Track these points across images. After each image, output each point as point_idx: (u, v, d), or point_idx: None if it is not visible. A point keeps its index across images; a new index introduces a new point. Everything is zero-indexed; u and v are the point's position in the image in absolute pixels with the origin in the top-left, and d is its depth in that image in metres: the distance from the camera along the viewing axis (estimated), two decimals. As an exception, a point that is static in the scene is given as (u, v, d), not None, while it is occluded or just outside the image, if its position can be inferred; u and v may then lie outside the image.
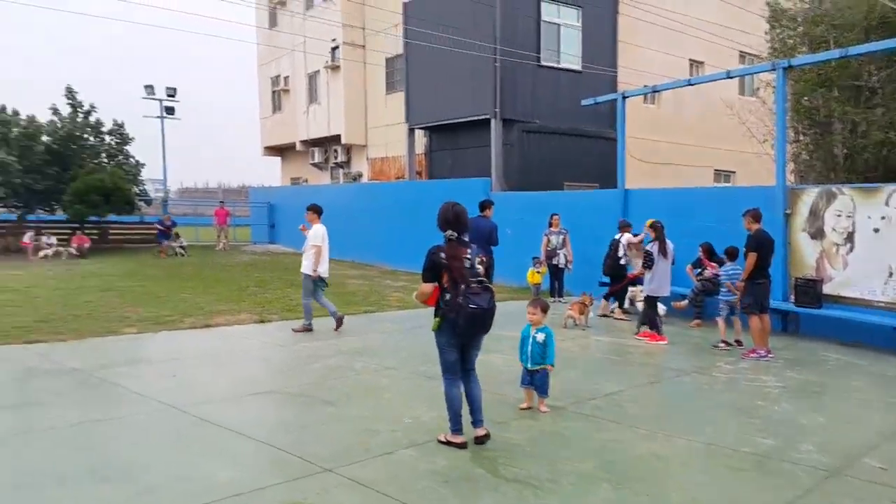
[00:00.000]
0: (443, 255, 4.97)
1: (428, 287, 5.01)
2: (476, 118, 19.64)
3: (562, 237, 13.44)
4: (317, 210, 9.95)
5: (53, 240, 21.86)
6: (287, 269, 18.67)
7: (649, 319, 9.64)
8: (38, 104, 45.44)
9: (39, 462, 4.73)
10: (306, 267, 9.80)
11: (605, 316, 11.76)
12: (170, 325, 10.09)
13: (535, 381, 6.18)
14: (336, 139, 26.87)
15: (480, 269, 5.06)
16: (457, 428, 5.13)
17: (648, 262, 9.56)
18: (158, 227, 23.79)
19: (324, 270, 9.91)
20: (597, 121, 19.78)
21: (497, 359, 8.31)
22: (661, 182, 17.20)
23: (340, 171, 28.00)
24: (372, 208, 20.88)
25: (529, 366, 6.18)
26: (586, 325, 10.58)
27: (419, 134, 22.97)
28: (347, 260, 20.98)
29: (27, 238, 21.70)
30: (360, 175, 26.70)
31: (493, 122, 19.00)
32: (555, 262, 13.45)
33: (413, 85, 22.16)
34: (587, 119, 19.56)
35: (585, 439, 5.48)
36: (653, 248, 9.52)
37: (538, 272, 13.62)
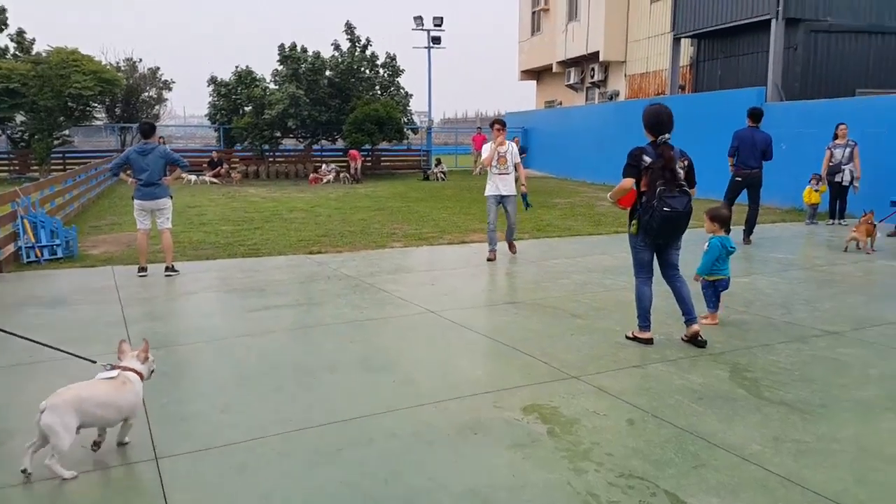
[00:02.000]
0: (647, 156, 4.98)
1: (627, 182, 5.04)
2: (754, 20, 17.53)
3: (849, 150, 11.70)
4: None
5: (333, 166, 24.37)
6: (537, 191, 18.78)
7: None
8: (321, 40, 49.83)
9: (318, 351, 5.31)
10: (514, 188, 9.03)
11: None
12: (430, 240, 10.73)
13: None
14: (594, 57, 25.97)
15: (681, 172, 4.98)
16: (644, 325, 5.30)
17: None
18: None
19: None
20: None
21: (761, 281, 7.65)
22: None
23: (596, 90, 27.12)
24: (628, 128, 19.94)
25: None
26: (872, 249, 9.28)
27: (685, 44, 21.27)
28: (599, 182, 20.52)
29: (311, 178, 24.12)
30: (617, 94, 25.61)
31: (773, 22, 16.80)
32: (838, 178, 11.82)
33: (683, -13, 20.39)
34: (893, 13, 16.53)
35: (866, 366, 4.82)
36: None
37: (816, 191, 12.10)
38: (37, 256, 8.75)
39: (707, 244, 5.90)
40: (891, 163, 12.01)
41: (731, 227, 6.16)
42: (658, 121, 5.04)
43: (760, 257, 9.17)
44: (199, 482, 3.28)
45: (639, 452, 3.52)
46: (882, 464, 3.38)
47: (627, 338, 5.43)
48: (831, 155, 11.88)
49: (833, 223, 12.08)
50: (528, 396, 4.28)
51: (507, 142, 9.04)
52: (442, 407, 4.11)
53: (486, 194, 9.13)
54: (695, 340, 5.23)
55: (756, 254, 9.40)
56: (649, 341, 5.30)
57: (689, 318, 5.28)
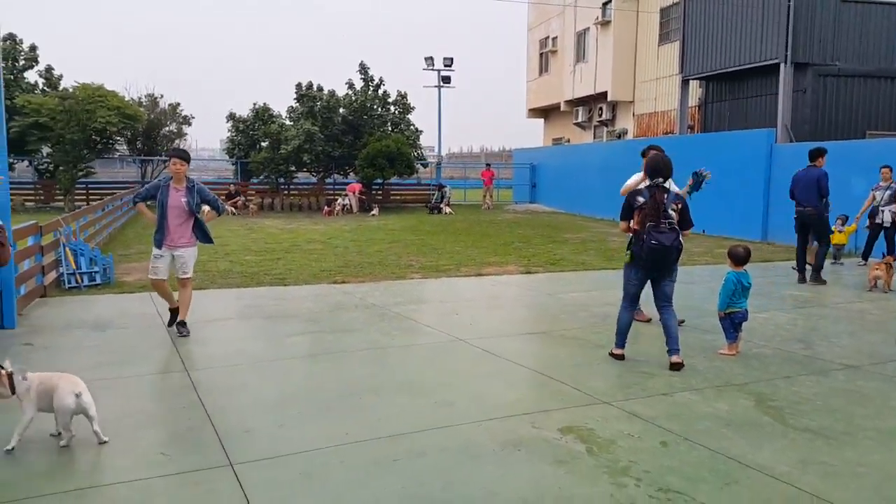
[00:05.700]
0: (640, 198, 5.60)
1: (623, 224, 5.82)
2: (762, 64, 18.06)
3: (889, 192, 11.88)
4: None
5: (346, 200, 24.82)
6: (548, 226, 19.14)
7: None
8: (335, 79, 50.93)
9: (358, 376, 5.54)
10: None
11: None
12: (447, 272, 11.00)
13: None
14: (601, 97, 26.55)
15: (674, 214, 5.53)
16: (619, 343, 5.96)
17: None
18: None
19: None
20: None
21: (781, 317, 7.88)
22: None
23: (604, 129, 27.67)
24: (635, 165, 20.30)
25: None
26: (890, 289, 9.50)
27: (693, 85, 21.80)
28: (608, 218, 20.83)
29: (325, 210, 24.53)
30: (625, 132, 26.12)
31: (782, 67, 17.31)
32: (878, 220, 11.99)
33: (690, 32, 20.99)
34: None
35: (886, 399, 5.03)
36: None
37: (841, 231, 12.32)
38: (77, 282, 9.06)
39: (724, 279, 6.22)
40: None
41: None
42: (655, 167, 5.66)
43: (780, 294, 9.39)
44: (273, 486, 3.54)
45: (674, 470, 3.73)
46: (906, 486, 3.59)
47: (610, 354, 6.00)
48: (873, 197, 12.02)
49: (864, 264, 11.97)
50: (564, 419, 4.51)
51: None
52: (483, 426, 4.34)
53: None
54: (677, 369, 5.63)
55: (775, 291, 9.61)
56: (621, 357, 5.91)
57: (671, 349, 5.73)
